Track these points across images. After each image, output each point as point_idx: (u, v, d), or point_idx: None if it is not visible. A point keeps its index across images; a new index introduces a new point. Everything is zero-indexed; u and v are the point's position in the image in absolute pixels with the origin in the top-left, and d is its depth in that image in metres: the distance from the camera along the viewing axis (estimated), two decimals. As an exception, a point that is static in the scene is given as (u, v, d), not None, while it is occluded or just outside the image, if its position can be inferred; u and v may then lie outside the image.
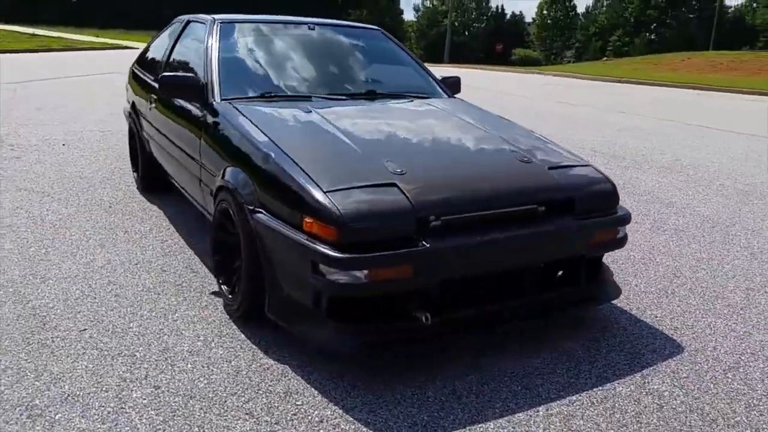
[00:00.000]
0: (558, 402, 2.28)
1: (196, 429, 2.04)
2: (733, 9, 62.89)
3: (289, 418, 2.13)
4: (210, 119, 3.08)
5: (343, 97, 3.42)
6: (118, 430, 2.03)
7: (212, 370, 2.40)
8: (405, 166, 2.51)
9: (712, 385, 2.43)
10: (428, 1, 61.56)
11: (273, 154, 2.56)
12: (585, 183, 2.73)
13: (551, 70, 30.25)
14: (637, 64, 30.98)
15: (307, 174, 2.39)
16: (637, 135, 8.59)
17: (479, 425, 2.13)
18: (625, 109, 12.20)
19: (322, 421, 2.12)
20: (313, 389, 2.30)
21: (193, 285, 3.17)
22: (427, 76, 3.94)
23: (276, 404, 2.20)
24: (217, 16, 3.77)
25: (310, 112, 3.07)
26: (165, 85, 3.25)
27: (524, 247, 2.47)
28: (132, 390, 2.25)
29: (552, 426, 2.14)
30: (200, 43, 3.66)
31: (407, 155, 2.72)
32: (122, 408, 2.14)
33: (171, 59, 4.10)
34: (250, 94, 3.28)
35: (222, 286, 2.87)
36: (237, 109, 3.01)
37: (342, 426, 2.10)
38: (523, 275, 2.55)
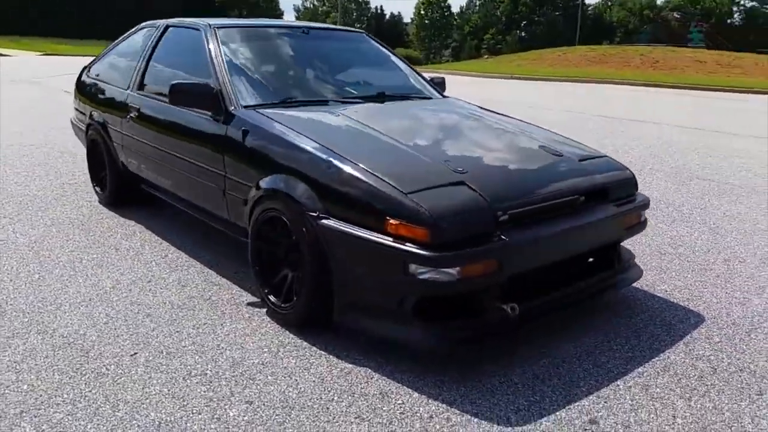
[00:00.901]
0: (630, 375, 2.46)
1: (317, 439, 2.02)
2: (592, 7, 67.87)
3: (398, 417, 2.15)
4: (235, 128, 2.98)
5: (359, 100, 3.43)
6: (238, 449, 1.96)
7: (296, 380, 2.36)
8: (463, 165, 2.59)
9: (744, 346, 2.71)
10: (308, 2, 61.40)
11: (334, 160, 2.54)
12: (613, 172, 2.94)
13: (440, 68, 31.22)
14: (519, 60, 32.71)
15: (380, 177, 2.40)
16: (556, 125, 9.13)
17: (575, 404, 2.25)
18: (534, 104, 12.90)
19: (432, 417, 2.15)
20: (405, 388, 2.32)
21: (223, 297, 3.07)
22: (419, 77, 4.02)
23: (379, 406, 2.21)
24: (210, 21, 3.64)
25: (340, 116, 3.07)
26: (177, 93, 3.11)
27: (583, 235, 2.63)
28: (225, 408, 2.18)
29: (636, 396, 2.31)
30: (193, 50, 3.53)
31: (458, 154, 2.80)
32: (226, 428, 2.07)
33: (150, 67, 3.90)
34: (271, 101, 3.20)
35: (269, 297, 2.81)
36: (268, 117, 2.95)
37: (453, 419, 2.15)
38: (575, 262, 2.71)
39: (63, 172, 5.53)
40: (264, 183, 2.74)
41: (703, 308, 3.10)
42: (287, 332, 2.72)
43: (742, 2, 66.11)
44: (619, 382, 2.40)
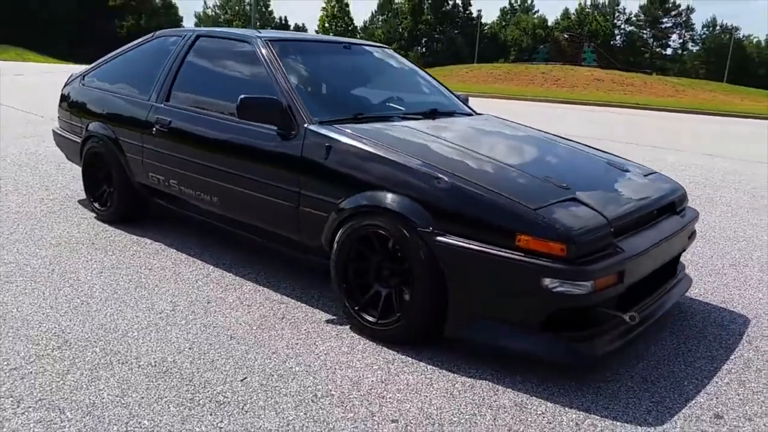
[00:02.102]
0: (721, 371, 2.63)
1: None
2: (488, 26, 70.98)
3: (548, 426, 2.18)
4: (315, 144, 2.90)
5: (418, 116, 3.44)
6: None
7: (425, 396, 2.34)
8: (564, 180, 2.68)
9: (796, 341, 2.97)
10: (210, 10, 60.00)
11: (446, 177, 2.54)
12: (673, 187, 3.13)
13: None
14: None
15: (503, 195, 2.44)
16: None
17: (692, 401, 2.38)
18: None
19: (578, 424, 2.21)
20: (536, 398, 2.36)
21: (298, 316, 2.98)
22: (450, 93, 4.09)
23: (523, 416, 2.23)
24: (256, 33, 3.53)
25: (419, 132, 3.08)
26: (246, 108, 3.00)
27: (671, 245, 2.79)
28: (376, 429, 2.13)
29: (738, 388, 2.48)
30: (241, 63, 3.43)
31: (549, 169, 2.89)
32: (388, 448, 2.02)
33: (179, 78, 3.70)
34: (341, 117, 3.15)
35: (361, 314, 2.75)
36: (352, 133, 2.90)
37: (599, 424, 2.21)
38: (660, 271, 2.86)
39: (42, 187, 5.11)
40: (360, 200, 2.69)
41: (742, 308, 3.35)
42: (387, 349, 2.68)
43: (622, 26, 71.53)
44: (715, 380, 2.56)
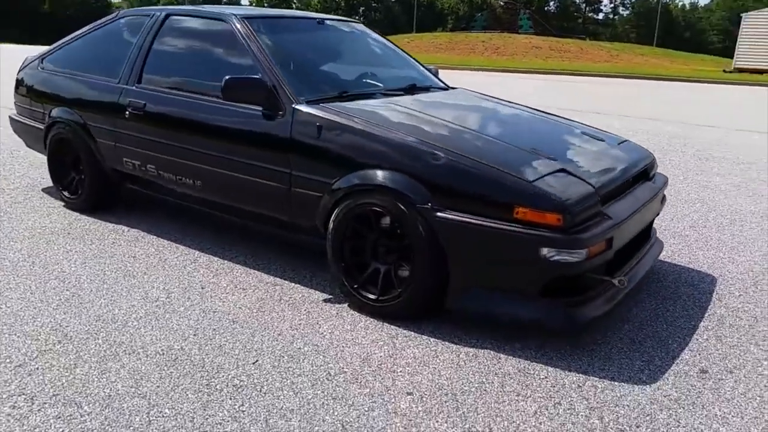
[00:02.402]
0: (699, 329, 2.82)
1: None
2: (426, -8, 70.63)
3: (554, 390, 2.32)
4: (304, 123, 2.91)
5: (399, 92, 3.47)
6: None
7: (435, 368, 2.43)
8: (549, 152, 2.80)
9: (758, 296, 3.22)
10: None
11: (441, 153, 2.61)
12: (645, 155, 3.30)
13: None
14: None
15: (499, 168, 2.53)
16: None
17: (678, 358, 2.56)
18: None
19: (581, 386, 2.35)
20: (537, 364, 2.49)
21: (295, 297, 3.01)
22: (423, 68, 4.13)
23: (528, 382, 2.36)
24: (230, 10, 3.46)
25: (405, 108, 3.12)
26: (232, 88, 2.97)
27: (649, 210, 2.96)
28: (394, 403, 2.21)
29: (718, 346, 2.68)
30: (218, 42, 3.39)
31: (533, 141, 2.99)
32: (411, 421, 2.12)
33: (151, 59, 3.61)
34: (327, 95, 3.15)
35: (360, 292, 2.82)
36: (342, 111, 2.92)
37: (599, 385, 2.35)
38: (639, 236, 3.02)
39: (-10, 177, 4.91)
40: (356, 179, 2.73)
41: (706, 268, 3.58)
42: (389, 324, 2.76)
43: (554, -9, 72.53)
44: (696, 337, 2.76)
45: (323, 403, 2.19)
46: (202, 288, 3.08)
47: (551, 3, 72.59)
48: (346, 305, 2.93)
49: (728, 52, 59.83)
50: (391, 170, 2.67)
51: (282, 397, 2.22)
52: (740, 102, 14.36)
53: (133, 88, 3.61)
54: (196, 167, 3.34)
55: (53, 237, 3.68)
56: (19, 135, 4.66)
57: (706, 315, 2.97)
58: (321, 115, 2.91)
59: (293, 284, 3.15)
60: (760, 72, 25.21)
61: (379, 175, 2.68)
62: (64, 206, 4.24)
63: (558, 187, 2.50)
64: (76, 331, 2.62)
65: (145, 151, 3.57)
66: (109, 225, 3.92)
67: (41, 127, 4.21)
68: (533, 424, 2.11)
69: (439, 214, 2.54)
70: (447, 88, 3.91)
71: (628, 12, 76.25)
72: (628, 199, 2.84)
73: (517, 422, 2.12)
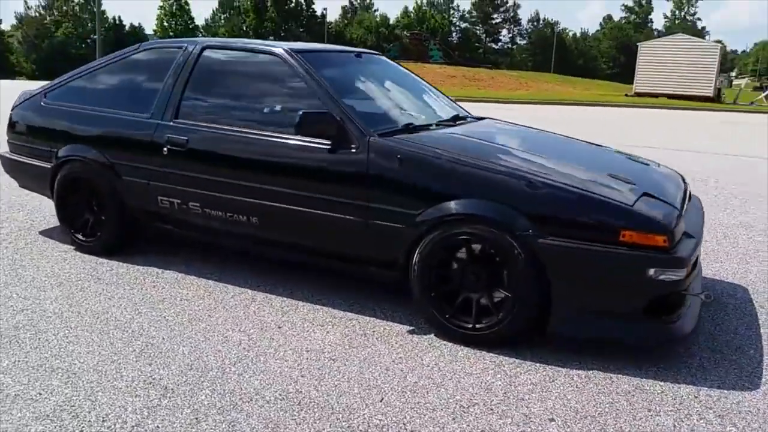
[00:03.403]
0: (763, 336, 3.04)
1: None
2: (332, 25, 71.59)
3: (668, 402, 2.42)
4: (383, 156, 2.90)
5: (450, 123, 3.54)
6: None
7: (563, 393, 2.47)
8: (624, 176, 2.94)
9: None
10: (33, 11, 54.61)
11: (538, 181, 2.68)
12: (680, 176, 3.52)
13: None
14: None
15: (595, 194, 2.63)
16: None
17: (765, 363, 2.75)
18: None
19: (696, 396, 2.46)
20: (646, 381, 2.58)
21: (376, 330, 2.96)
22: (446, 97, 4.22)
23: (646, 397, 2.45)
24: (283, 45, 3.41)
25: (470, 137, 3.19)
26: (307, 123, 2.94)
27: None
28: (541, 427, 2.23)
29: None
30: (271, 77, 3.36)
31: (603, 167, 3.12)
32: None
33: (189, 94, 3.47)
34: (394, 127, 3.17)
35: (454, 321, 2.81)
36: (420, 143, 2.96)
37: (713, 394, 2.47)
38: None
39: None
40: (444, 209, 2.74)
41: (732, 278, 3.84)
42: (487, 352, 2.77)
43: (457, 23, 75.59)
44: (764, 342, 2.96)
45: (475, 436, 2.16)
46: (279, 327, 2.97)
47: (454, 34, 75.49)
48: (432, 335, 2.92)
49: (617, 77, 64.80)
50: (486, 199, 2.71)
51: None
52: (662, 122, 15.49)
53: (170, 123, 3.46)
54: (251, 204, 3.24)
55: (84, 283, 3.43)
56: (12, 174, 4.32)
57: (761, 321, 3.18)
58: (402, 147, 2.91)
59: (367, 317, 3.10)
60: (656, 96, 27.32)
61: (474, 204, 2.71)
62: (75, 249, 3.95)
63: (654, 210, 2.63)
64: (175, 383, 2.46)
65: (187, 189, 3.42)
66: (137, 268, 3.69)
67: (45, 165, 3.93)
68: (682, 437, 2.19)
69: (542, 240, 2.60)
70: (480, 118, 4.00)
71: (525, 41, 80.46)
72: (689, 219, 3.02)
73: (667, 437, 2.19)
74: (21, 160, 4.11)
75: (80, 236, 3.89)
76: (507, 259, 2.66)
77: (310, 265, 3.40)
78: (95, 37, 56.07)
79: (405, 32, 67.85)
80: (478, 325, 2.78)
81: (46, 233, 4.31)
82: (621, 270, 2.55)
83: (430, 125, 3.41)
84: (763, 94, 28.19)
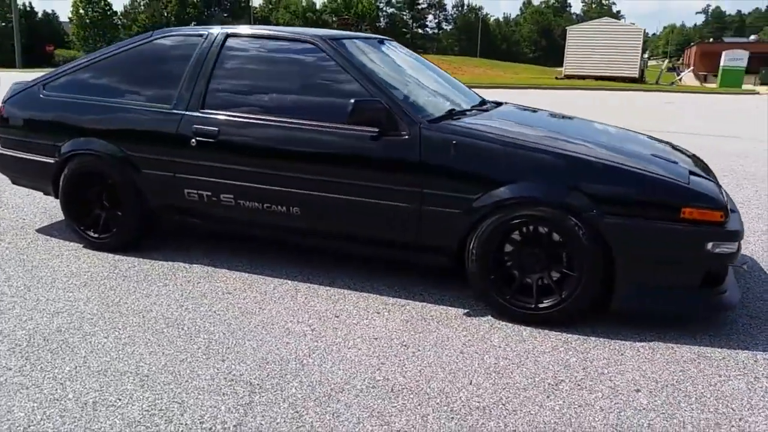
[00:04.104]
0: (786, 301, 3.26)
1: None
2: (258, 10, 70.11)
3: (732, 366, 2.57)
4: (436, 142, 2.89)
5: (485, 109, 3.57)
6: None
7: (635, 364, 2.57)
8: (665, 156, 3.07)
9: (797, 269, 3.75)
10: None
11: (602, 161, 2.76)
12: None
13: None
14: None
15: (652, 173, 2.74)
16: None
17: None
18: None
19: (756, 360, 2.62)
20: (705, 348, 2.72)
21: (434, 314, 2.97)
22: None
23: (713, 363, 2.59)
24: (315, 32, 3.33)
25: (514, 122, 3.24)
26: (359, 111, 2.90)
27: None
28: (629, 398, 2.32)
29: (813, 314, 3.11)
30: (305, 65, 3.28)
31: (641, 148, 3.24)
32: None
33: (215, 84, 3.34)
34: (440, 114, 3.17)
35: (514, 302, 2.86)
36: (473, 128, 2.98)
37: (760, 357, 2.65)
38: None
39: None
40: (505, 192, 2.77)
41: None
42: (549, 331, 2.83)
43: (384, 8, 75.56)
44: None
45: (576, 413, 2.23)
46: (336, 317, 2.94)
47: (382, 19, 75.44)
48: (489, 317, 2.96)
49: (539, 61, 66.71)
50: (547, 181, 2.76)
51: (532, 411, 2.22)
52: (608, 104, 16.08)
53: (198, 114, 3.32)
54: (293, 194, 3.16)
55: (112, 282, 3.27)
56: (4, 170, 4.04)
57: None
58: (457, 132, 2.92)
59: (418, 303, 3.11)
60: (583, 78, 28.33)
61: (535, 187, 2.76)
62: (84, 247, 3.75)
63: (705, 187, 2.77)
64: (258, 378, 2.40)
65: (218, 181, 3.30)
66: (161, 263, 3.55)
67: (48, 161, 3.69)
68: (757, 399, 2.32)
69: (606, 220, 2.68)
70: (499, 103, 4.03)
71: (451, 27, 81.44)
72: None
73: (742, 399, 2.32)
74: (16, 155, 3.84)
75: (91, 233, 3.69)
76: (570, 239, 2.72)
77: (354, 253, 3.36)
78: (3, 24, 52.65)
79: (333, 17, 67.35)
80: (540, 305, 2.83)
81: (45, 231, 4.06)
82: (681, 245, 2.66)
83: (469, 110, 3.42)
84: (678, 77, 29.70)
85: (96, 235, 3.67)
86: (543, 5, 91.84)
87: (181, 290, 3.19)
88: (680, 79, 29.20)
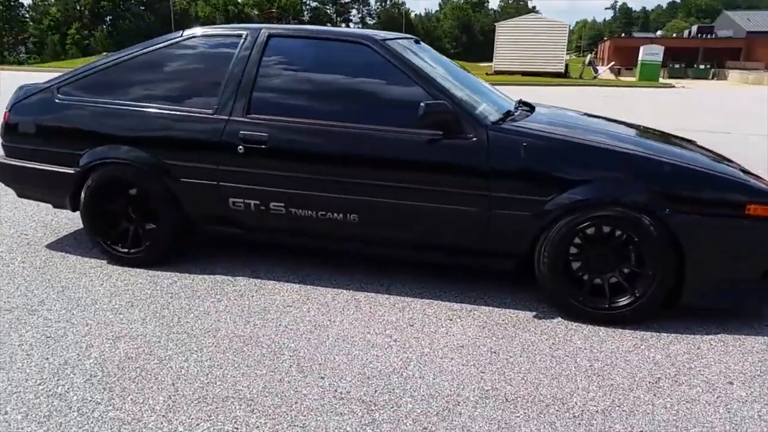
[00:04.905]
0: None
1: None
2: (177, 2, 67.72)
3: (807, 355, 2.73)
4: (506, 144, 2.90)
5: (527, 108, 3.60)
6: None
7: (713, 359, 2.68)
8: (711, 155, 3.21)
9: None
10: None
11: (669, 162, 2.85)
12: None
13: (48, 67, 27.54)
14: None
15: (717, 172, 2.86)
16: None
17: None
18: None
19: (818, 348, 2.79)
20: (760, 338, 2.88)
21: (506, 318, 2.99)
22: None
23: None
24: (368, 33, 3.25)
25: (574, 123, 3.32)
26: (429, 114, 2.86)
27: None
28: (727, 390, 2.42)
29: None
30: (354, 66, 3.21)
31: (682, 146, 3.37)
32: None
33: (260, 86, 3.20)
34: (499, 116, 3.18)
35: (588, 303, 2.92)
36: (546, 129, 3.02)
37: (826, 344, 2.83)
38: None
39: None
40: (579, 194, 2.81)
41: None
42: (623, 329, 2.90)
43: (307, 2, 74.83)
44: None
45: (689, 408, 2.29)
46: (411, 325, 2.90)
47: (305, 13, 74.67)
48: (558, 318, 3.00)
49: (461, 56, 68.06)
50: (619, 182, 2.81)
51: (648, 411, 2.28)
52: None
53: (244, 119, 3.18)
54: (351, 200, 3.09)
55: (161, 300, 3.09)
56: (9, 182, 3.73)
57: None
58: (526, 134, 2.94)
59: (484, 307, 3.11)
60: (512, 73, 29.10)
61: (609, 188, 2.81)
62: (109, 263, 3.52)
63: (762, 183, 2.90)
64: (366, 393, 2.34)
65: (268, 189, 3.18)
66: (203, 277, 3.38)
67: (65, 171, 3.45)
68: None
69: (679, 218, 2.77)
70: (528, 103, 4.06)
71: (374, 21, 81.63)
72: None
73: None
74: (25, 166, 3.56)
75: (119, 248, 3.46)
76: (645, 238, 2.79)
77: (410, 260, 3.32)
78: None
79: (255, 11, 66.02)
80: (613, 305, 2.90)
81: (55, 248, 3.79)
82: (748, 240, 2.79)
83: (514, 111, 3.44)
84: (597, 74, 30.90)
85: (125, 250, 3.46)
86: (462, 1, 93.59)
87: (239, 305, 3.05)
88: (599, 74, 30.46)
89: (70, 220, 4.31)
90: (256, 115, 3.19)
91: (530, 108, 3.67)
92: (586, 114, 4.02)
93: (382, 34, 3.40)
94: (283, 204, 3.19)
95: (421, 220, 3.05)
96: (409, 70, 3.09)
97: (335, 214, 3.13)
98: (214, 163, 3.21)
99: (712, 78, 35.30)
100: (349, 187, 3.08)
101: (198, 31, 3.48)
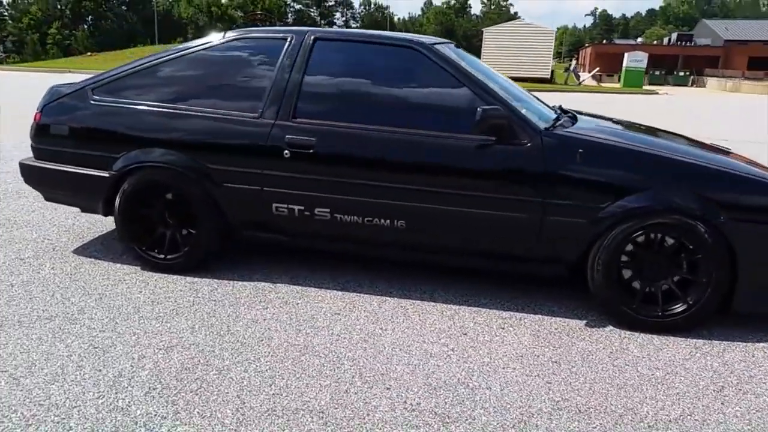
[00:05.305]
0: None
1: None
2: (160, 3, 67.14)
3: None
4: (562, 150, 2.89)
5: (569, 115, 3.59)
6: None
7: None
8: (746, 160, 3.24)
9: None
10: None
11: (722, 169, 2.86)
12: None
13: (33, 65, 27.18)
14: (128, 57, 30.78)
15: (762, 178, 2.88)
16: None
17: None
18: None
19: None
20: (817, 345, 2.90)
21: (556, 326, 2.97)
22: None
23: (838, 361, 2.75)
24: (414, 37, 3.23)
25: (623, 131, 3.33)
26: (486, 119, 2.85)
27: None
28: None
29: None
30: (403, 71, 3.20)
31: (715, 151, 3.39)
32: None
33: (306, 90, 3.16)
34: (550, 122, 3.17)
35: (641, 310, 2.91)
36: (602, 136, 3.02)
37: None
38: None
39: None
40: (634, 201, 2.80)
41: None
42: (678, 337, 2.90)
43: (291, 4, 74.67)
44: None
45: (761, 417, 2.29)
46: (465, 334, 2.87)
47: (290, 15, 74.46)
48: (611, 326, 2.99)
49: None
50: (675, 189, 2.81)
51: (720, 420, 2.27)
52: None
53: (290, 123, 3.13)
54: (398, 206, 3.05)
55: (205, 307, 3.02)
56: (38, 185, 3.63)
57: None
58: (580, 141, 2.93)
59: (534, 316, 3.09)
60: (500, 78, 29.19)
61: (665, 195, 2.80)
62: (143, 269, 3.44)
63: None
64: (437, 405, 2.30)
65: (313, 194, 3.13)
66: (243, 284, 3.31)
67: (99, 174, 3.36)
68: None
69: (733, 225, 2.77)
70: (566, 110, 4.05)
71: (358, 25, 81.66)
72: None
73: None
74: (56, 168, 3.46)
75: (156, 254, 3.38)
76: (700, 246, 2.79)
77: (458, 265, 3.29)
78: None
79: (239, 12, 65.69)
80: (666, 312, 2.89)
81: (83, 253, 3.69)
82: (797, 245, 2.80)
83: (558, 118, 3.42)
84: (580, 80, 31.15)
85: (162, 256, 3.38)
86: (444, 6, 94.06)
87: (286, 313, 2.99)
88: (582, 81, 30.76)
89: (93, 225, 4.22)
90: (303, 120, 3.14)
91: (572, 115, 3.65)
92: (619, 121, 4.03)
93: (429, 38, 3.37)
94: (328, 210, 3.14)
95: (470, 226, 3.02)
96: (460, 74, 3.06)
97: (382, 220, 3.09)
98: (259, 167, 3.15)
99: (692, 85, 35.84)
100: (397, 193, 3.04)
101: (242, 32, 3.42)
